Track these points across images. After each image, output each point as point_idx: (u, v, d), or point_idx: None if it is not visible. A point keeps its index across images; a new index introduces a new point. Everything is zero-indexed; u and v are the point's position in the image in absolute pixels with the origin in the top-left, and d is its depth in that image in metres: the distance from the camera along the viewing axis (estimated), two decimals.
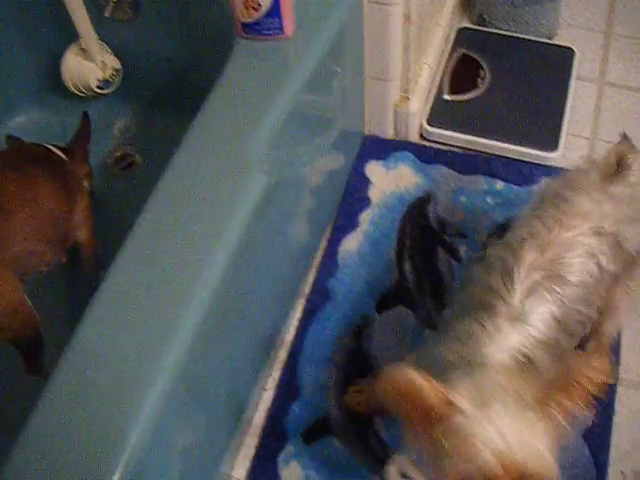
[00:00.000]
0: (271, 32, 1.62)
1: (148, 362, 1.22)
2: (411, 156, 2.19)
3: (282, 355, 1.86)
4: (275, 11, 1.57)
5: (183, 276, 1.31)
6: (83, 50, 2.10)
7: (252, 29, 1.62)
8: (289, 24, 1.62)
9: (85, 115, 1.95)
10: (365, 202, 2.10)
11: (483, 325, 1.26)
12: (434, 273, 1.97)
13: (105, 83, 2.14)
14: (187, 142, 1.51)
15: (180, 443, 1.37)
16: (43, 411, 1.19)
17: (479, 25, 2.53)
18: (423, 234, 2.03)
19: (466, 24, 2.54)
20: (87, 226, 1.85)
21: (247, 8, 1.57)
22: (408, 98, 2.13)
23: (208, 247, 1.35)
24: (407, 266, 1.97)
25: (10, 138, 1.89)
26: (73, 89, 2.17)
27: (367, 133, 2.23)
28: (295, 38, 1.65)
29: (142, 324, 1.27)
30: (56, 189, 1.68)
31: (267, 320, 1.79)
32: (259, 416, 1.80)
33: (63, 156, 1.80)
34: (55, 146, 1.85)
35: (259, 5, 1.56)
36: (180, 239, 1.37)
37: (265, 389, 1.82)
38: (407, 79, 2.07)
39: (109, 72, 2.12)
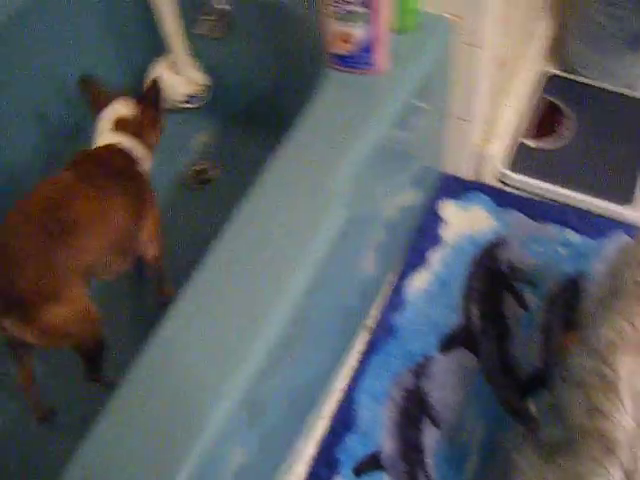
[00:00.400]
0: (363, 66, 1.63)
1: (217, 380, 1.25)
2: (486, 198, 2.18)
3: (341, 385, 1.86)
4: (369, 46, 1.59)
5: (257, 300, 1.34)
6: (173, 64, 2.13)
7: (344, 62, 1.63)
8: (381, 60, 1.63)
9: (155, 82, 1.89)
10: (437, 240, 2.10)
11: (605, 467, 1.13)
12: (500, 319, 1.96)
13: (192, 98, 2.17)
14: (272, 167, 1.54)
15: (234, 464, 1.38)
16: (108, 420, 1.21)
17: (566, 72, 2.50)
18: (492, 278, 2.01)
19: (553, 70, 2.52)
20: (155, 239, 1.87)
21: (341, 41, 1.59)
22: (489, 140, 2.13)
23: (284, 275, 1.37)
24: (474, 309, 1.96)
25: (85, 80, 1.87)
26: None
27: (445, 171, 2.22)
28: (385, 74, 1.66)
29: (215, 343, 1.30)
30: (127, 206, 1.71)
31: (330, 349, 1.80)
32: (311, 443, 1.79)
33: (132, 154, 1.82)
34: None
35: (354, 39, 1.57)
36: (257, 264, 1.39)
37: (321, 417, 1.82)
38: (490, 121, 2.07)
39: (197, 87, 2.16)
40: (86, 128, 1.92)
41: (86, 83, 1.84)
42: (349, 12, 1.51)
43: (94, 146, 1.78)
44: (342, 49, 1.60)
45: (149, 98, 1.84)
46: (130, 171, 1.75)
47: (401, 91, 1.64)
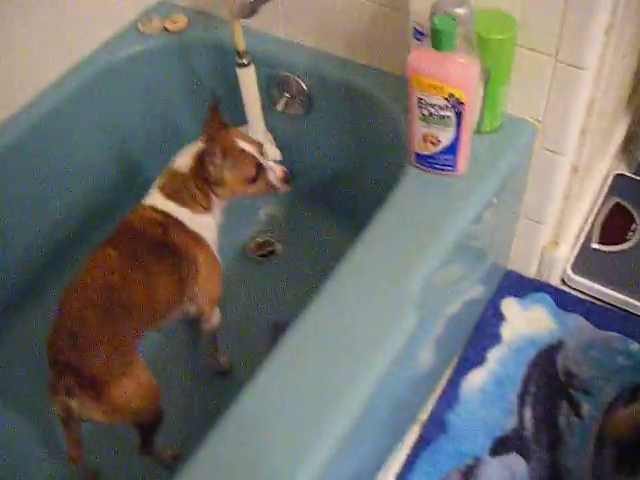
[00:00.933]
0: (444, 168, 1.64)
1: (288, 466, 1.28)
2: (549, 300, 2.16)
3: (389, 478, 1.84)
4: (452, 149, 1.60)
5: (328, 393, 1.36)
6: (250, 136, 2.14)
7: (426, 162, 1.64)
8: (462, 162, 1.63)
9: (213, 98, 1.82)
10: (496, 339, 2.08)
11: None
12: (553, 426, 1.93)
13: None
14: (348, 262, 1.54)
15: None
16: None
17: (636, 174, 2.49)
18: (549, 383, 1.99)
19: (622, 171, 2.51)
20: (205, 309, 1.90)
21: (425, 141, 1.60)
22: (557, 243, 2.12)
23: (354, 374, 1.39)
24: (528, 413, 1.93)
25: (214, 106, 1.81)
26: None
27: (509, 268, 2.21)
28: (465, 176, 1.66)
29: (286, 430, 1.34)
30: (173, 282, 1.74)
31: (381, 441, 1.79)
32: None
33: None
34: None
35: (438, 141, 1.58)
36: (329, 358, 1.41)
37: None
38: (560, 225, 2.06)
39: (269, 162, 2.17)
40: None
41: (214, 109, 1.80)
42: (438, 116, 1.52)
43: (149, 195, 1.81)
44: (425, 150, 1.61)
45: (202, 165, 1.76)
46: (169, 241, 1.75)
47: (480, 193, 1.65)
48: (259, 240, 2.36)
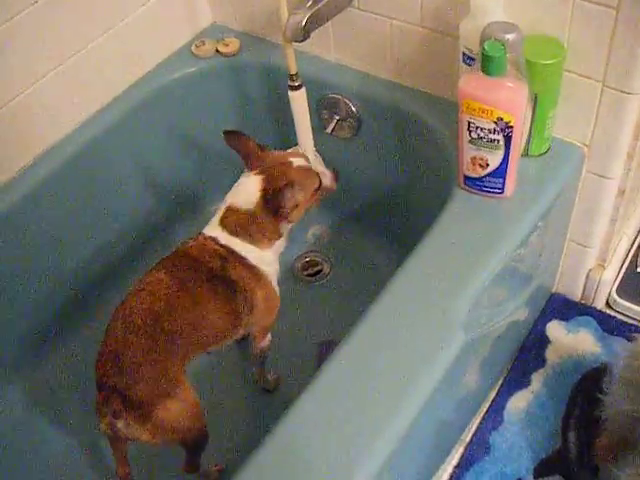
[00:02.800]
0: (492, 191, 1.66)
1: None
2: (594, 323, 2.16)
3: None
4: (500, 172, 1.62)
5: (374, 413, 1.38)
6: None
7: (474, 184, 1.67)
8: (510, 185, 1.66)
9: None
10: (540, 361, 2.09)
11: None
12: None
13: None
14: (396, 283, 1.57)
15: None
16: None
17: None
18: (593, 407, 1.98)
19: None
20: (257, 336, 1.92)
21: (474, 164, 1.62)
22: (603, 267, 2.12)
23: (401, 394, 1.41)
24: (572, 436, 1.93)
25: (229, 134, 1.80)
26: None
27: (555, 291, 2.22)
28: (512, 199, 1.68)
29: (332, 449, 1.36)
30: (219, 308, 1.74)
31: (424, 462, 1.80)
32: None
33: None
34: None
35: (487, 165, 1.60)
36: (376, 378, 1.44)
37: None
38: (606, 248, 2.06)
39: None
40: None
41: (230, 137, 1.80)
42: (487, 139, 1.54)
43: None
44: (474, 172, 1.64)
45: (273, 201, 1.71)
46: (227, 275, 1.74)
47: (527, 217, 1.66)
48: (306, 259, 2.39)
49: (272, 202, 1.70)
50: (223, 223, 1.76)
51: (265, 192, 1.70)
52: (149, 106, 2.20)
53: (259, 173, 1.75)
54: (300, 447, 1.36)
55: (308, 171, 1.78)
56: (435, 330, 1.48)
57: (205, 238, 1.77)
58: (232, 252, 1.75)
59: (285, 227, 1.79)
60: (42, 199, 2.03)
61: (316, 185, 1.79)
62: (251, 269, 1.77)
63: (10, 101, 1.91)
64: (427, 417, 1.49)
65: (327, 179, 1.84)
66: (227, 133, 1.80)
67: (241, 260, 1.76)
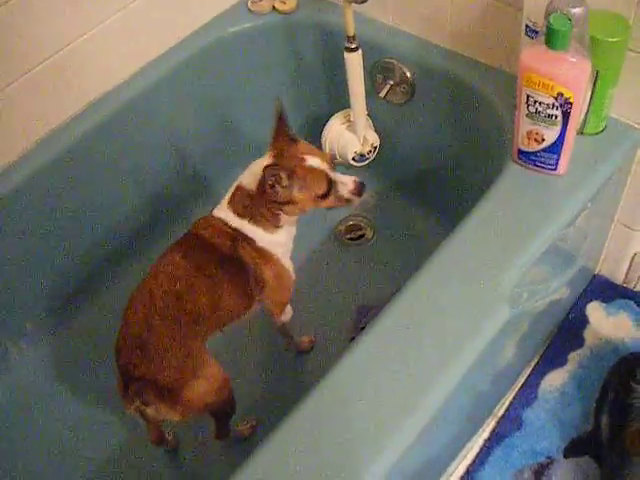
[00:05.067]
0: (545, 166, 1.64)
1: (373, 446, 1.32)
2: (635, 308, 2.14)
3: (460, 470, 1.86)
4: (555, 148, 1.60)
5: (419, 379, 1.40)
6: (349, 121, 2.18)
7: (528, 158, 1.65)
8: (564, 163, 1.63)
9: (279, 107, 1.76)
10: (578, 341, 2.08)
11: None
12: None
13: (360, 157, 2.20)
14: (444, 252, 1.56)
15: None
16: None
17: None
18: (628, 392, 1.97)
19: None
20: (274, 311, 1.92)
21: (529, 138, 1.60)
22: None
23: (442, 363, 1.41)
24: (604, 420, 1.92)
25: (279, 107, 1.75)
26: (328, 152, 2.25)
27: (598, 272, 2.20)
28: (564, 177, 1.66)
29: (374, 410, 1.37)
30: (234, 289, 1.74)
31: (456, 433, 1.80)
32: None
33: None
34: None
35: (542, 139, 1.58)
36: (422, 344, 1.44)
37: None
38: None
39: (368, 148, 2.19)
40: None
41: (281, 120, 1.76)
42: (545, 114, 1.52)
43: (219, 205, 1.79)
44: (528, 146, 1.62)
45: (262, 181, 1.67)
46: (237, 255, 1.74)
47: (579, 195, 1.64)
48: (350, 223, 2.38)
49: (262, 182, 1.66)
50: (231, 203, 1.76)
51: (264, 174, 1.64)
52: (202, 59, 2.20)
53: (272, 157, 1.72)
54: (337, 407, 1.38)
55: (318, 174, 1.70)
56: (481, 302, 1.48)
57: (214, 219, 1.76)
58: (239, 232, 1.74)
59: (284, 219, 1.75)
60: (84, 152, 2.05)
61: (322, 191, 1.71)
62: (259, 250, 1.76)
63: (60, 50, 1.92)
64: (464, 388, 1.49)
65: (345, 189, 1.74)
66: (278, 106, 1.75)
67: (249, 241, 1.75)
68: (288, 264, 1.84)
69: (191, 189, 2.40)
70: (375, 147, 2.21)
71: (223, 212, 1.76)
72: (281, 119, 1.74)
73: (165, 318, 1.61)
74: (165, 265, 1.70)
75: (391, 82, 2.15)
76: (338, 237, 2.34)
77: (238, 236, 1.73)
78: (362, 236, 2.35)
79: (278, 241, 1.78)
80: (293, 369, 2.10)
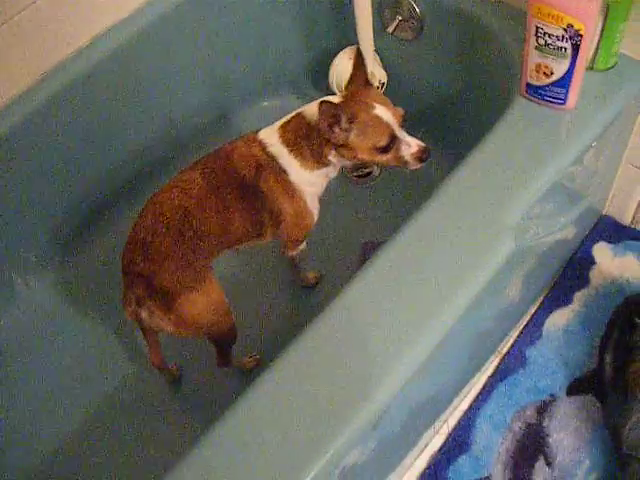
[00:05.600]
0: (554, 100, 1.62)
1: (382, 368, 1.34)
2: None
3: (463, 405, 1.87)
4: (565, 82, 1.58)
5: (416, 311, 1.40)
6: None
7: (536, 92, 1.63)
8: (572, 97, 1.62)
9: (358, 52, 1.73)
10: (584, 281, 2.08)
11: None
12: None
13: None
14: (449, 185, 1.56)
15: (347, 462, 1.41)
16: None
17: None
18: (631, 331, 1.97)
19: None
20: (287, 245, 1.93)
21: (538, 72, 1.59)
22: None
23: (448, 292, 1.42)
24: (608, 358, 1.93)
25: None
26: (336, 89, 2.24)
27: (605, 213, 2.19)
28: (573, 112, 1.64)
29: (383, 334, 1.38)
30: (245, 216, 1.74)
31: (461, 368, 1.82)
32: (424, 456, 1.81)
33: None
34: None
35: (551, 73, 1.57)
36: (428, 272, 1.45)
37: (438, 432, 1.83)
38: None
39: (375, 84, 2.17)
40: None
41: (359, 65, 1.72)
42: (554, 47, 1.50)
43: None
44: (537, 80, 1.60)
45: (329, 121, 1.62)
46: (259, 185, 1.72)
47: (587, 131, 1.63)
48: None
49: (319, 116, 1.61)
50: (283, 127, 1.72)
51: (327, 112, 1.59)
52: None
53: (341, 97, 1.69)
54: (343, 335, 1.39)
55: (382, 125, 1.64)
56: (485, 235, 1.48)
57: (255, 140, 1.73)
58: (273, 162, 1.71)
59: (334, 161, 1.71)
60: (96, 82, 2.04)
61: (381, 143, 1.65)
62: (286, 184, 1.74)
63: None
64: (468, 322, 1.50)
65: (407, 150, 1.68)
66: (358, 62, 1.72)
67: (279, 173, 1.72)
68: (313, 205, 1.81)
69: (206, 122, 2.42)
70: (383, 83, 2.19)
71: (269, 134, 1.73)
72: (359, 64, 1.70)
73: (170, 228, 1.63)
74: (182, 181, 1.70)
75: (400, 17, 2.12)
76: (344, 174, 2.33)
77: (267, 165, 1.71)
78: (369, 173, 2.33)
79: (311, 180, 1.75)
80: (299, 304, 2.12)
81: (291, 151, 1.70)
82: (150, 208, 1.68)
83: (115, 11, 2.05)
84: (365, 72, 1.70)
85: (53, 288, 2.19)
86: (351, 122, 1.61)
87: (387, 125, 1.64)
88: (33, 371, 2.05)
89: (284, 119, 1.73)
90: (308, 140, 1.68)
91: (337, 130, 1.61)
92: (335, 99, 1.66)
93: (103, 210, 2.27)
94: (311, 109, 1.69)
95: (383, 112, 1.63)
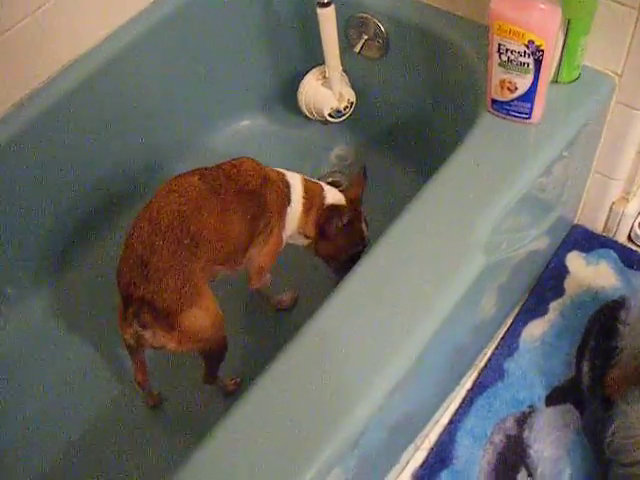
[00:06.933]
0: (519, 115, 1.64)
1: (358, 390, 1.34)
2: (614, 256, 2.15)
3: (443, 420, 1.88)
4: (529, 96, 1.60)
5: (389, 332, 1.41)
6: (324, 77, 2.18)
7: (502, 107, 1.65)
8: (538, 111, 1.64)
9: (364, 169, 2.03)
10: (559, 291, 2.09)
11: None
12: None
13: (337, 113, 2.21)
14: (418, 203, 1.57)
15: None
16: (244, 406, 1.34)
17: None
18: (608, 339, 1.99)
19: None
20: (252, 273, 1.93)
21: (502, 87, 1.60)
22: (627, 199, 2.10)
23: (420, 312, 1.43)
24: (585, 367, 1.95)
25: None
26: (305, 109, 2.26)
27: (577, 222, 2.21)
28: (539, 125, 1.66)
29: (356, 358, 1.39)
30: (244, 222, 1.75)
31: (439, 383, 1.82)
32: (406, 473, 1.82)
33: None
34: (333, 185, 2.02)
35: (516, 88, 1.59)
36: (395, 295, 1.45)
37: (419, 448, 1.84)
38: (631, 181, 2.04)
39: (344, 104, 2.19)
40: None
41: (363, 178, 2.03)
42: (517, 62, 1.52)
43: None
44: (502, 96, 1.62)
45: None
46: (262, 194, 1.77)
47: (553, 143, 1.65)
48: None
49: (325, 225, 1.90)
50: (305, 180, 1.90)
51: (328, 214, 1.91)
52: (177, 20, 2.19)
53: (347, 205, 1.96)
54: (318, 358, 1.39)
55: (361, 234, 1.99)
56: (456, 251, 1.49)
57: (273, 169, 1.86)
58: (286, 187, 1.86)
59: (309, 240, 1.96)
60: (68, 109, 2.03)
61: (358, 248, 1.96)
62: (283, 210, 1.84)
63: (31, 14, 1.91)
64: (443, 338, 1.50)
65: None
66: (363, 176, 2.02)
67: (284, 197, 1.84)
68: (282, 237, 1.89)
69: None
70: (351, 103, 2.21)
71: (290, 175, 1.89)
72: (364, 177, 2.02)
73: (167, 238, 1.61)
74: (179, 185, 1.70)
75: (366, 37, 2.14)
76: None
77: (278, 184, 1.83)
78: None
79: (294, 235, 1.93)
80: (277, 327, 2.11)
81: (303, 197, 1.86)
82: (146, 218, 1.65)
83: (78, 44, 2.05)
84: (365, 185, 2.01)
85: (44, 305, 2.19)
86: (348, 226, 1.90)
87: (364, 235, 1.97)
88: (19, 389, 2.04)
89: (304, 184, 1.90)
90: (313, 210, 1.88)
91: (336, 229, 1.90)
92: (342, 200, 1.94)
93: (93, 227, 2.28)
94: (332, 195, 1.94)
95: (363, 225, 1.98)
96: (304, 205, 1.87)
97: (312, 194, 1.88)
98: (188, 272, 1.62)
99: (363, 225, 1.96)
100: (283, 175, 1.85)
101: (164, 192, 1.69)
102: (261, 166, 1.80)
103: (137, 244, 1.63)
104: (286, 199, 1.83)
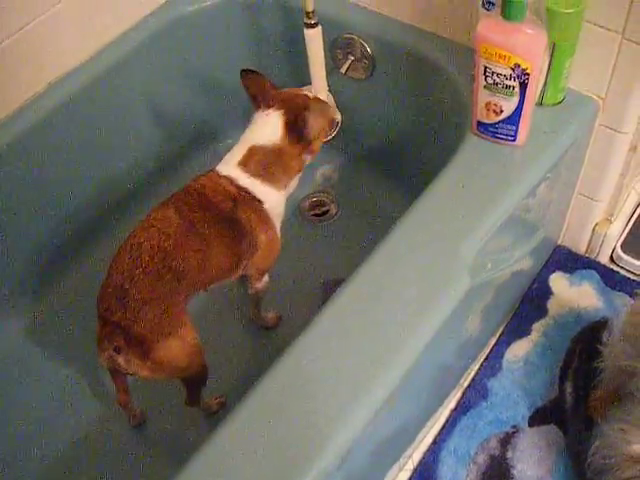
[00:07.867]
0: (505, 137, 1.66)
1: (337, 416, 1.34)
2: (597, 277, 2.17)
3: (427, 439, 1.88)
4: (514, 119, 1.61)
5: (373, 353, 1.41)
6: None
7: (487, 130, 1.66)
8: (523, 133, 1.65)
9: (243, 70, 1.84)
10: (542, 311, 2.10)
11: None
12: None
13: None
14: (404, 224, 1.58)
15: None
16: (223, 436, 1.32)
17: None
18: (591, 359, 2.00)
19: None
20: (254, 277, 1.93)
21: (488, 110, 1.62)
22: (610, 221, 2.12)
23: (404, 334, 1.43)
24: (568, 387, 1.96)
25: (247, 73, 1.82)
26: None
27: (560, 243, 2.23)
28: (524, 147, 1.68)
29: (339, 380, 1.39)
30: (225, 251, 1.74)
31: (422, 404, 1.82)
32: None
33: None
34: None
35: (501, 111, 1.60)
36: (379, 317, 1.46)
37: (403, 469, 1.84)
38: (614, 203, 2.06)
39: None
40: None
41: (248, 76, 1.81)
42: (503, 85, 1.54)
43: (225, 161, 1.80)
44: (487, 118, 1.64)
45: (296, 127, 1.74)
46: (236, 217, 1.74)
47: (538, 165, 1.67)
48: (314, 199, 2.38)
49: (297, 129, 1.73)
50: (244, 163, 1.76)
51: (288, 121, 1.73)
52: (163, 38, 2.18)
53: (278, 108, 1.76)
54: (301, 381, 1.39)
55: (324, 102, 1.84)
56: (441, 272, 1.49)
57: (220, 177, 1.76)
58: (246, 194, 1.75)
59: (306, 160, 1.81)
60: (51, 130, 2.02)
61: (334, 116, 1.83)
62: (260, 213, 1.77)
63: (21, 29, 1.90)
64: (428, 359, 1.50)
65: (338, 115, 1.87)
66: (245, 72, 1.80)
67: (253, 203, 1.76)
68: (278, 230, 1.86)
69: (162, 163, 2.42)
70: (337, 123, 2.21)
71: (230, 171, 1.76)
72: (258, 75, 1.81)
73: (148, 273, 1.60)
74: (158, 219, 1.68)
75: (352, 58, 2.15)
76: (302, 214, 2.34)
77: (242, 197, 1.74)
78: (326, 212, 2.35)
79: (280, 200, 1.82)
80: (261, 346, 2.11)
81: (264, 180, 1.76)
82: (127, 251, 1.65)
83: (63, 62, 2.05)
84: (266, 80, 1.81)
85: (24, 325, 2.18)
86: (315, 112, 1.74)
87: (325, 101, 1.87)
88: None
89: (238, 156, 1.77)
90: (280, 161, 1.76)
91: (312, 128, 1.75)
92: (268, 114, 1.77)
93: (75, 246, 2.26)
94: (260, 137, 1.76)
95: (311, 94, 1.83)
96: (269, 181, 1.77)
97: (263, 166, 1.76)
98: (167, 304, 1.62)
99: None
100: (232, 180, 1.76)
101: (143, 227, 1.68)
102: (222, 185, 1.75)
103: (117, 275, 1.62)
104: (256, 201, 1.77)
